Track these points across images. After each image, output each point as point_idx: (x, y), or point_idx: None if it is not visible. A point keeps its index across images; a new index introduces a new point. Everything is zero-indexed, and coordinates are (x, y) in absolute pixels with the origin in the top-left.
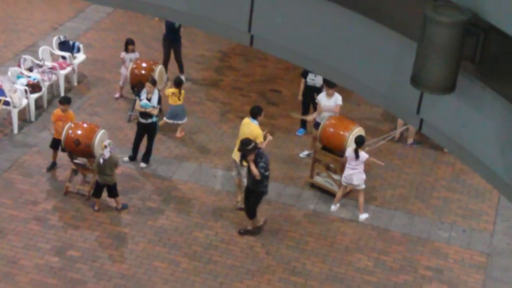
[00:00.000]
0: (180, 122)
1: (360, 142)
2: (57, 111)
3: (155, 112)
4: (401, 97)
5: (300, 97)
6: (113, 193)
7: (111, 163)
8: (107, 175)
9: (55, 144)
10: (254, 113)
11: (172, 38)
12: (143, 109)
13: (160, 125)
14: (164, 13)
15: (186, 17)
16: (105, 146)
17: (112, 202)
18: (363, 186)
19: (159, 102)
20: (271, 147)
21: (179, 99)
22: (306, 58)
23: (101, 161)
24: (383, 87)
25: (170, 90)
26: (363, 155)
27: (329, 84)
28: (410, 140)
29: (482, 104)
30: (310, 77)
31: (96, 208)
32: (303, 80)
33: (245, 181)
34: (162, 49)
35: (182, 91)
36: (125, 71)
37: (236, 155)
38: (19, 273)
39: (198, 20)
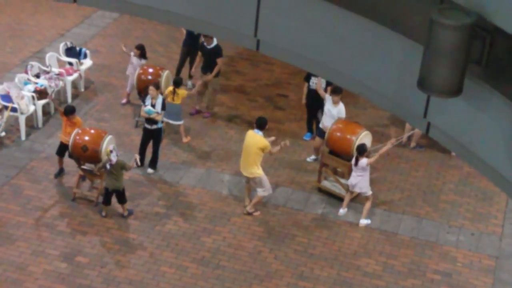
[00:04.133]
0: (175, 122)
1: (360, 150)
2: (64, 118)
3: (159, 118)
4: (408, 101)
5: (304, 101)
6: (122, 199)
7: (117, 167)
8: (115, 180)
9: (61, 150)
10: (261, 124)
11: (191, 44)
12: (147, 115)
13: (164, 127)
14: (170, 18)
15: (193, 22)
16: (111, 151)
17: (119, 208)
18: (369, 193)
19: (163, 107)
20: (278, 152)
21: (173, 99)
22: (312, 62)
23: (108, 166)
24: (389, 91)
25: (169, 89)
26: (363, 162)
27: (335, 91)
28: (413, 144)
29: (489, 107)
30: (313, 80)
31: (103, 214)
32: (306, 84)
33: (259, 189)
34: (168, 54)
35: (179, 92)
36: (130, 72)
37: (243, 169)
38: (28, 279)
39: (205, 25)
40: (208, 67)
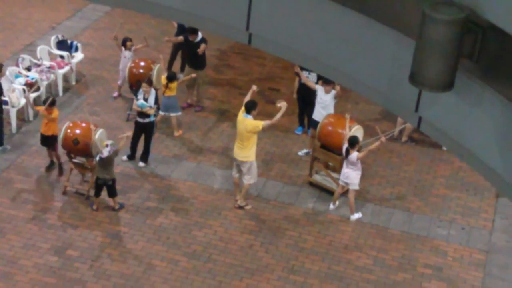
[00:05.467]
0: (173, 114)
1: (351, 142)
2: (43, 111)
3: (151, 112)
4: (399, 95)
5: (295, 95)
6: (112, 192)
7: (108, 162)
8: (106, 173)
9: (44, 141)
10: (249, 108)
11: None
12: (140, 109)
13: (158, 120)
14: (162, 11)
15: (184, 16)
16: (106, 145)
17: (110, 201)
18: (356, 187)
19: (156, 101)
20: (270, 145)
21: (165, 92)
22: (304, 56)
23: (97, 158)
24: (381, 85)
25: (163, 81)
26: (353, 156)
27: (326, 81)
28: (404, 138)
29: (480, 102)
30: (304, 74)
31: (94, 207)
32: (297, 78)
33: (246, 177)
34: (160, 48)
35: (171, 85)
36: (122, 67)
37: (236, 154)
38: (19, 272)
39: (196, 19)
40: (195, 61)
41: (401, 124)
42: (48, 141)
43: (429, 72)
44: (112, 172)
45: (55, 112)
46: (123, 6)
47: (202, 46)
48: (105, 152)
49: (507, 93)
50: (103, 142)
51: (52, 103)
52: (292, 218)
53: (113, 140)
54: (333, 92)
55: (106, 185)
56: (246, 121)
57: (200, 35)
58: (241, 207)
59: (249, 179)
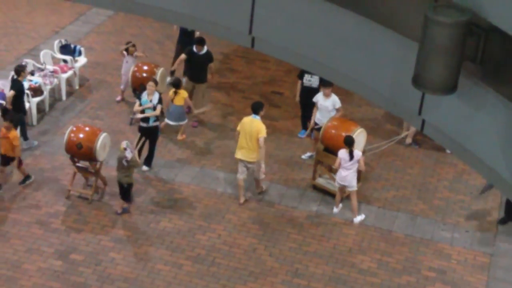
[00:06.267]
0: (180, 123)
1: (350, 142)
2: (2, 128)
3: (157, 112)
4: (402, 98)
5: (297, 98)
6: (125, 195)
7: (131, 165)
8: (125, 175)
9: (5, 162)
10: (256, 108)
11: (185, 41)
12: (141, 108)
13: (161, 127)
14: (165, 16)
15: (188, 20)
16: (125, 149)
17: (114, 205)
18: (354, 188)
19: (160, 103)
20: (273, 149)
21: (172, 101)
22: (307, 59)
23: (125, 163)
24: (384, 88)
25: (171, 90)
26: (358, 153)
27: (325, 84)
28: (408, 140)
29: (483, 105)
30: (307, 78)
31: (125, 206)
32: (299, 82)
33: (260, 173)
34: (163, 51)
35: (180, 91)
36: (124, 72)
37: (245, 156)
38: (22, 277)
39: (200, 23)
40: (198, 74)
41: (407, 129)
42: (9, 162)
43: (432, 75)
44: (131, 176)
45: (13, 134)
46: (126, 10)
47: (211, 65)
48: (128, 155)
49: (510, 96)
50: (121, 146)
51: (11, 120)
52: (295, 221)
53: (115, 144)
54: (333, 96)
55: (121, 187)
56: (255, 122)
57: (205, 48)
58: (263, 192)
59: (263, 175)
